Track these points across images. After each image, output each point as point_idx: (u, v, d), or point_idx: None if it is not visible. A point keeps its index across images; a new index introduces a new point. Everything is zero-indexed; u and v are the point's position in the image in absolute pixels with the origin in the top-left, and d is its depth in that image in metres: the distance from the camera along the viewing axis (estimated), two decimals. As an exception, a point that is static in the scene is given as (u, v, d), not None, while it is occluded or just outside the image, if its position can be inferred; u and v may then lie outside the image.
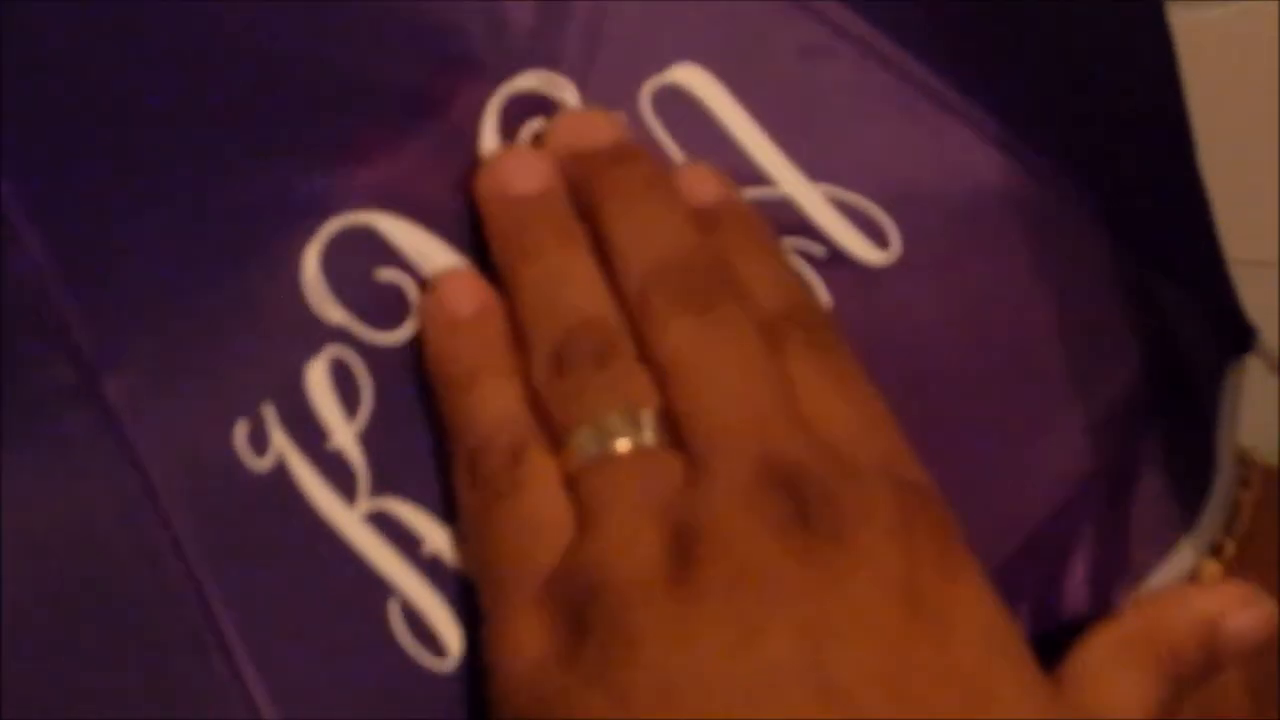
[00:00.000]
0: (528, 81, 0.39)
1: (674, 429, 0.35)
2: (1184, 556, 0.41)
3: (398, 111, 0.38)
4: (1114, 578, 0.40)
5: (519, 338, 0.37)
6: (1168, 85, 0.39)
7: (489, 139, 0.39)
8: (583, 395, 0.35)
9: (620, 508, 0.34)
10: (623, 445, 0.34)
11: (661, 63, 0.40)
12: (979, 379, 0.40)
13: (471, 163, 0.39)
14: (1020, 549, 0.39)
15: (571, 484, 0.34)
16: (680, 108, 0.40)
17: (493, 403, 0.36)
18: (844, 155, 0.40)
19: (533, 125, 0.39)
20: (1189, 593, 0.39)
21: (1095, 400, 0.41)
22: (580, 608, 0.33)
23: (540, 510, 0.34)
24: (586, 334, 0.36)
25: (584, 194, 0.38)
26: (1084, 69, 0.41)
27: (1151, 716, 0.37)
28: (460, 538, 0.37)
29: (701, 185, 0.39)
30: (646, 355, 0.36)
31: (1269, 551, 0.43)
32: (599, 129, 0.39)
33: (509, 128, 0.39)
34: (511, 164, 0.38)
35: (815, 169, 0.40)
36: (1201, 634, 0.38)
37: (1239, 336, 0.42)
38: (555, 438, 0.35)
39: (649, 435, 0.34)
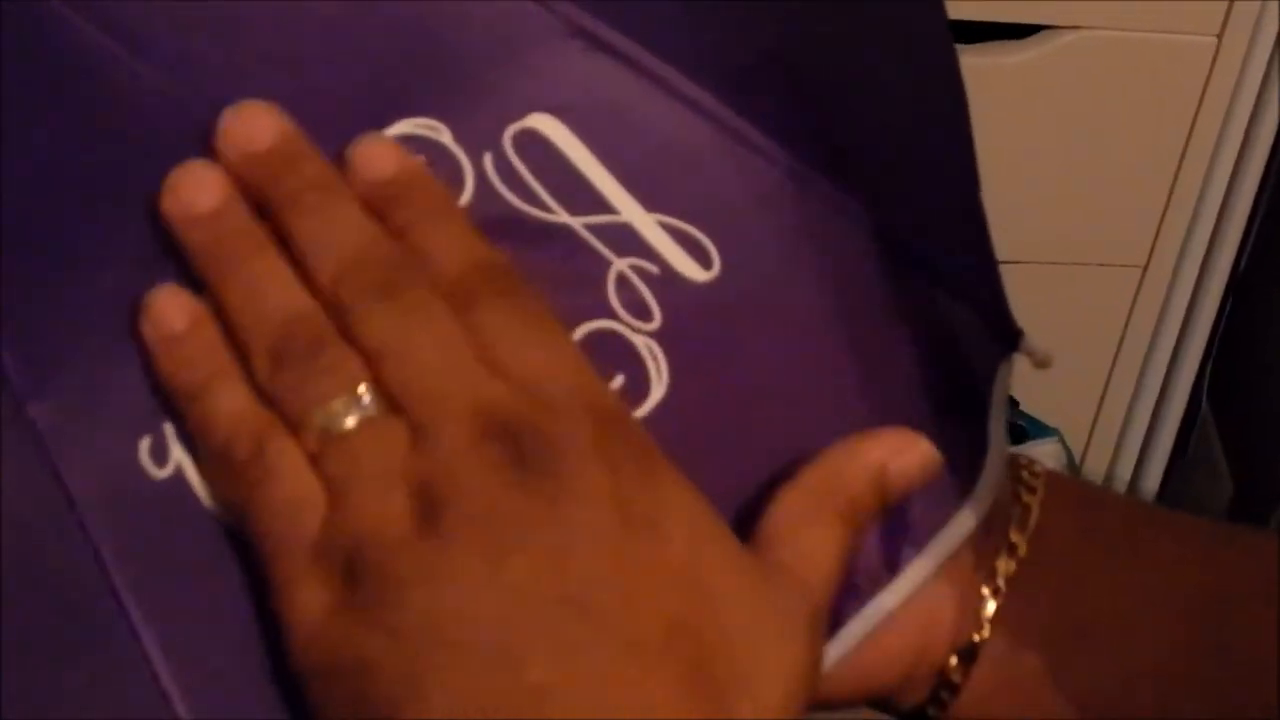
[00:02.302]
0: (404, 127, 0.43)
1: (391, 399, 0.39)
2: (963, 520, 0.46)
3: None
4: (900, 541, 0.45)
5: (236, 342, 0.40)
6: (956, 121, 0.44)
7: None
8: (304, 385, 0.39)
9: (362, 475, 0.38)
10: (350, 422, 0.38)
11: (521, 111, 0.44)
12: (784, 373, 0.45)
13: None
14: None
15: (315, 463, 0.38)
16: (537, 148, 0.44)
17: (227, 403, 0.39)
18: (673, 189, 0.45)
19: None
20: (857, 445, 0.43)
21: (883, 394, 0.46)
22: (348, 566, 0.37)
23: (293, 489, 0.38)
24: (294, 330, 0.39)
25: (261, 198, 0.41)
26: (879, 113, 0.46)
27: (841, 561, 0.42)
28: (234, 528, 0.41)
29: (376, 161, 0.42)
30: (351, 340, 0.39)
31: (1057, 545, 0.48)
32: (263, 128, 0.41)
33: None
34: (189, 182, 0.41)
35: (650, 200, 0.44)
36: (873, 480, 0.43)
37: (1008, 338, 0.47)
38: (291, 425, 0.39)
39: (371, 409, 0.38)
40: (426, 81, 0.44)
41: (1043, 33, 1.26)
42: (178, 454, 0.41)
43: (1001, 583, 0.47)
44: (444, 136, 0.43)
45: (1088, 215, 1.36)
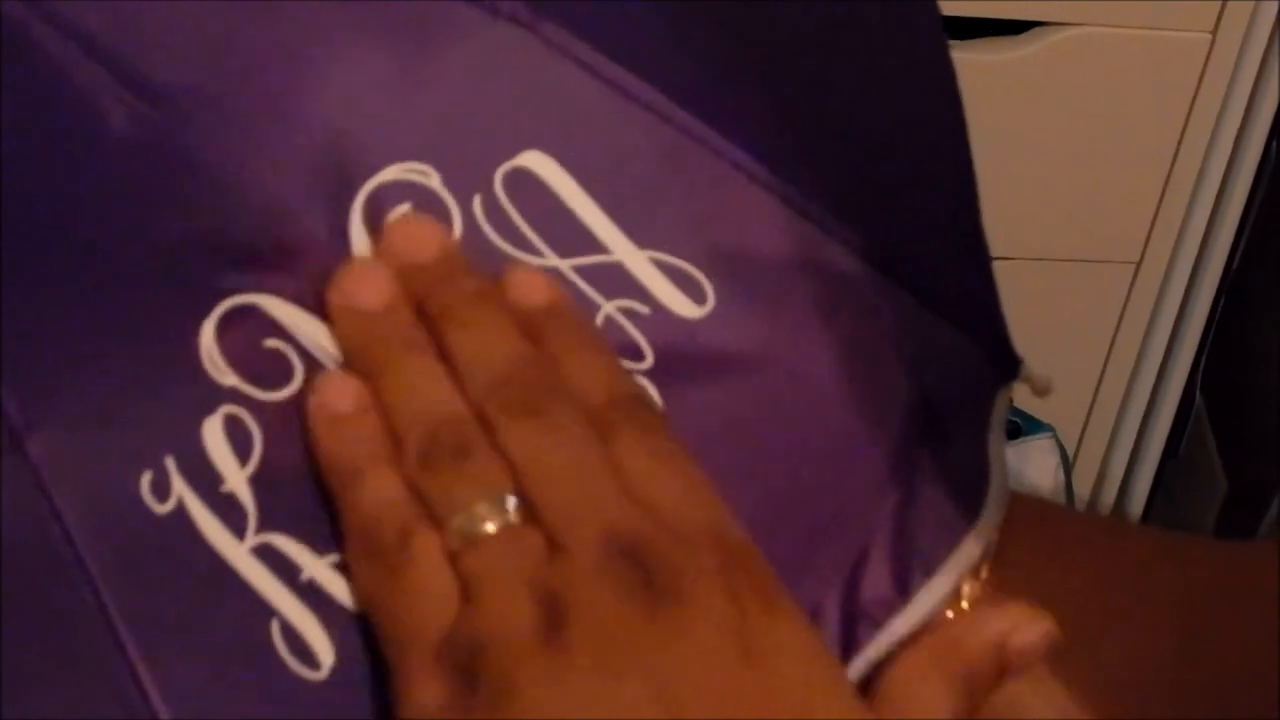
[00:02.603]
0: (392, 174, 0.43)
1: (531, 510, 0.40)
2: (970, 546, 0.46)
3: (276, 211, 0.43)
4: (909, 569, 0.45)
5: (392, 432, 0.42)
6: (956, 150, 0.45)
7: (357, 230, 0.43)
8: (451, 485, 0.40)
9: (496, 580, 0.39)
10: (491, 527, 0.39)
11: (511, 150, 0.44)
12: (779, 406, 0.45)
13: (343, 249, 0.43)
14: (824, 547, 0.45)
15: (453, 560, 0.40)
16: (528, 188, 0.44)
17: (378, 489, 0.41)
18: (666, 224, 0.45)
19: (400, 209, 0.43)
20: (982, 617, 0.45)
21: (879, 423, 0.46)
22: (469, 666, 0.38)
23: (430, 583, 0.39)
24: (445, 431, 0.41)
25: (423, 307, 0.43)
26: (878, 145, 0.46)
27: None
28: (361, 607, 0.41)
29: (529, 290, 0.43)
30: (496, 450, 0.41)
31: (1019, 565, 0.48)
32: (428, 240, 0.43)
33: (376, 215, 0.43)
34: (356, 279, 0.43)
35: (642, 237, 0.44)
36: (993, 652, 0.44)
37: (1008, 366, 0.48)
38: (435, 521, 0.40)
39: (512, 516, 0.40)
40: (414, 123, 0.44)
41: (1037, 29, 1.26)
42: (179, 488, 0.41)
43: (966, 605, 0.47)
44: (433, 181, 0.43)
45: (1081, 211, 1.36)
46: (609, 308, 0.44)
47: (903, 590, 0.45)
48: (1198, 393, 1.46)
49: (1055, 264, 1.37)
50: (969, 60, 1.26)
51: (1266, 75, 1.30)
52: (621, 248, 0.44)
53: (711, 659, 0.39)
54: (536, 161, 0.44)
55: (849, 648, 0.44)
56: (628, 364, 0.43)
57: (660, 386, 0.44)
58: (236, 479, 0.41)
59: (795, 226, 0.46)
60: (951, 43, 1.29)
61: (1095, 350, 1.43)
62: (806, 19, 0.46)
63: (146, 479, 0.41)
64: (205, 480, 0.41)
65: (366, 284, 0.42)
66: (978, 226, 0.46)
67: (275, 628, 0.41)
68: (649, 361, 0.44)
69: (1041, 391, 0.48)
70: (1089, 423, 1.47)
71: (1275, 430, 1.34)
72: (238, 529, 0.41)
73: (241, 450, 0.42)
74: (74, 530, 0.40)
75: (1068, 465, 1.40)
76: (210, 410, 0.42)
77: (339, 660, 0.41)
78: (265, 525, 0.42)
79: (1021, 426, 1.38)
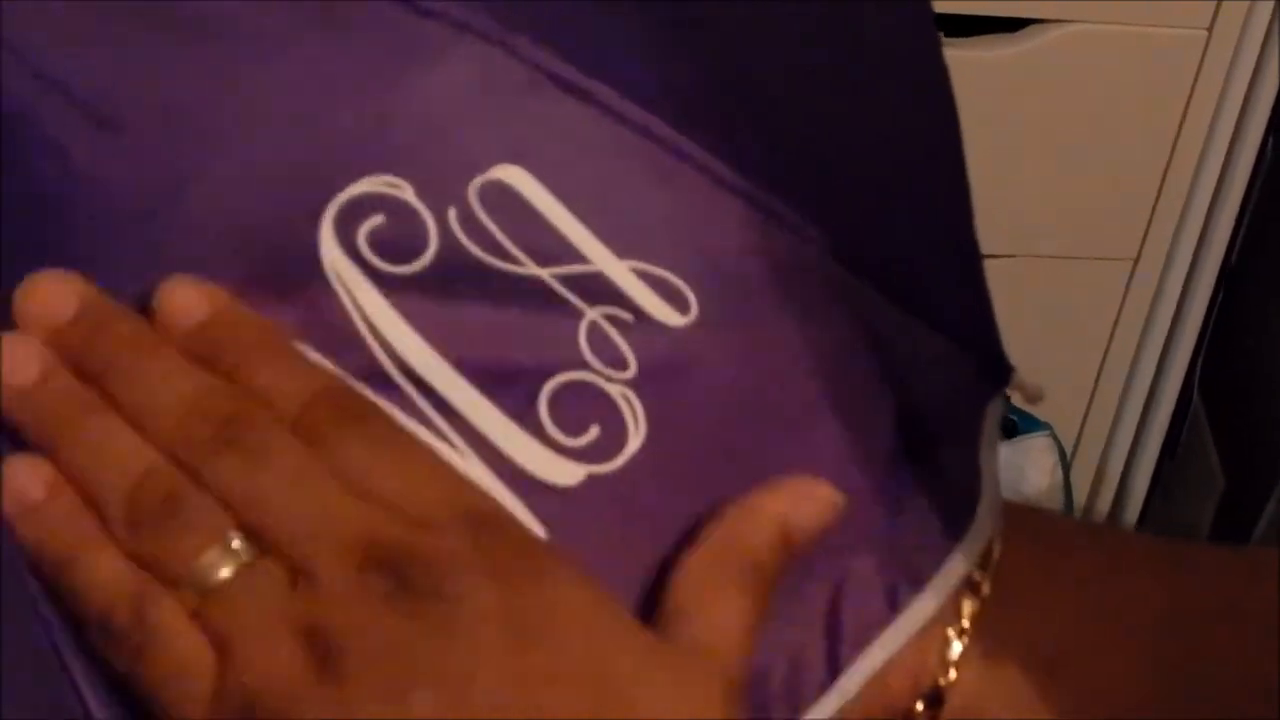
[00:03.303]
0: (363, 186, 0.43)
1: (262, 543, 0.38)
2: (960, 558, 0.46)
3: (244, 229, 0.42)
4: (897, 578, 0.45)
5: (93, 503, 0.39)
6: (948, 158, 0.44)
7: (327, 245, 0.42)
8: (171, 541, 0.38)
9: (247, 626, 0.37)
10: (225, 572, 0.37)
11: (485, 163, 0.43)
12: (769, 418, 0.45)
13: (314, 264, 0.42)
14: (808, 560, 0.44)
15: (197, 619, 0.38)
16: (504, 200, 0.43)
17: (98, 570, 0.38)
18: (647, 235, 0.44)
19: (372, 222, 0.42)
20: (756, 501, 0.43)
21: (865, 434, 0.45)
22: None
23: (179, 652, 0.37)
24: (147, 486, 0.39)
25: (82, 364, 0.40)
26: (865, 153, 0.46)
27: (750, 627, 0.41)
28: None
29: (185, 308, 0.41)
30: (206, 491, 0.39)
31: (1019, 581, 0.47)
32: (64, 295, 0.41)
33: (349, 228, 0.42)
34: (5, 357, 0.40)
35: (623, 247, 0.44)
36: (774, 537, 0.42)
37: (999, 374, 0.47)
38: (167, 584, 0.38)
39: (244, 555, 0.38)
40: (384, 137, 0.43)
41: (1034, 26, 1.27)
42: None
43: (966, 623, 0.47)
44: (406, 193, 0.43)
45: (1078, 208, 1.37)
46: (593, 314, 0.43)
47: (891, 605, 0.45)
48: (1195, 390, 1.47)
49: (1052, 261, 1.38)
50: (966, 57, 1.27)
51: (1263, 71, 1.31)
52: (601, 258, 0.44)
53: (488, 649, 0.37)
54: (511, 175, 0.44)
55: (835, 665, 0.43)
56: (613, 373, 0.43)
57: (643, 396, 0.43)
58: None
59: (778, 236, 0.46)
60: (949, 40, 1.28)
61: (1093, 348, 1.44)
62: (790, 25, 0.46)
63: None
64: None
65: (16, 359, 0.40)
66: (970, 234, 0.45)
67: None
68: (633, 370, 0.43)
69: (1033, 399, 0.48)
70: (1087, 420, 1.48)
71: (1273, 428, 1.34)
72: None
73: None
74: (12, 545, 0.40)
75: (1065, 463, 1.41)
76: None
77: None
78: None
79: (1019, 424, 1.39)
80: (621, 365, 0.43)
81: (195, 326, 0.41)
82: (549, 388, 0.42)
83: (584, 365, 0.43)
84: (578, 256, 0.44)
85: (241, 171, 0.42)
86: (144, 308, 0.41)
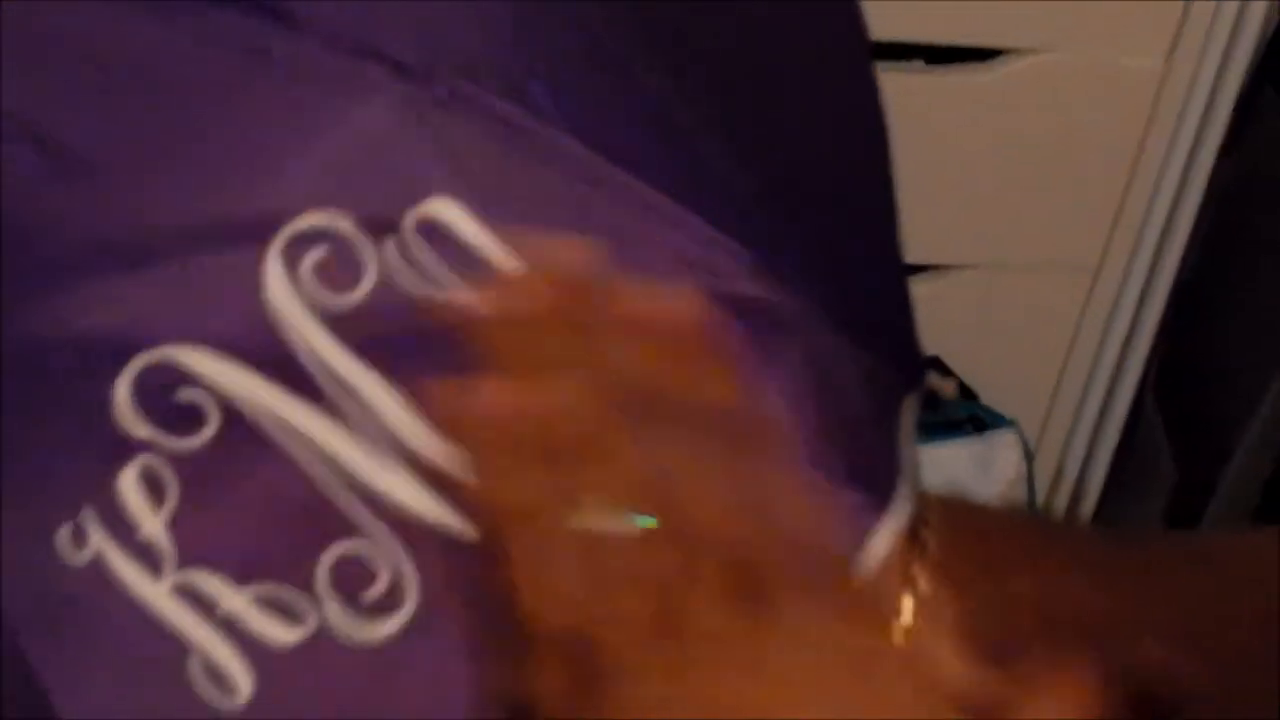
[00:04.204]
0: (306, 221, 0.43)
1: (664, 515, 0.41)
2: (881, 537, 0.47)
3: (191, 262, 0.43)
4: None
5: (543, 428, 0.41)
6: (876, 173, 0.46)
7: (274, 277, 0.43)
8: (583, 482, 0.41)
9: (621, 577, 0.40)
10: (623, 527, 0.40)
11: (418, 196, 0.44)
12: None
13: (258, 295, 0.43)
14: None
15: (584, 554, 0.41)
16: (438, 232, 0.43)
17: (522, 483, 0.41)
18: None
19: (315, 255, 0.43)
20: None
21: (797, 431, 0.46)
22: (586, 657, 0.40)
23: (560, 574, 0.41)
24: (585, 434, 0.41)
25: (574, 317, 0.42)
26: (806, 171, 0.47)
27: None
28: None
29: (670, 310, 0.42)
30: (635, 457, 0.41)
31: (955, 577, 0.48)
32: (578, 258, 0.43)
33: (293, 261, 0.43)
34: (513, 289, 0.42)
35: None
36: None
37: (916, 375, 0.50)
38: (559, 516, 0.41)
39: (643, 521, 0.40)
40: (326, 174, 0.43)
41: (1008, 55, 1.29)
42: (97, 538, 0.42)
43: (907, 618, 0.47)
44: (345, 227, 0.43)
45: (1045, 221, 1.38)
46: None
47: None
48: (1150, 390, 1.46)
49: (1020, 270, 1.39)
50: (946, 83, 1.29)
51: (1216, 98, 1.33)
52: None
53: (823, 668, 0.41)
54: (443, 207, 0.44)
55: None
56: None
57: None
58: (152, 524, 0.42)
59: (707, 255, 0.46)
60: (931, 67, 1.30)
61: (1056, 350, 1.44)
62: (720, 38, 0.46)
63: (65, 531, 0.42)
64: (122, 528, 0.42)
65: (521, 294, 0.42)
66: (894, 244, 0.47)
67: (193, 661, 0.42)
68: None
69: (947, 394, 0.50)
70: (1050, 416, 1.47)
71: (1221, 428, 1.33)
72: (155, 570, 0.42)
73: (157, 496, 0.42)
74: None
75: (1030, 457, 1.40)
76: (125, 462, 0.42)
77: (257, 688, 0.42)
78: (184, 564, 0.42)
79: (986, 420, 1.37)
80: None
81: (672, 326, 0.43)
82: None
83: None
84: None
85: (189, 207, 0.43)
86: (93, 338, 0.42)
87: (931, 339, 1.36)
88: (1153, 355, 1.46)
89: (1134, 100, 1.33)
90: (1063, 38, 1.29)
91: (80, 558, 0.42)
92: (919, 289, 1.29)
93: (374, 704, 0.43)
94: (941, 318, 1.34)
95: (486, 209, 0.44)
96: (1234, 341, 1.39)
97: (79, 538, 0.42)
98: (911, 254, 1.30)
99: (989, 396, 1.39)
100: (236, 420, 0.42)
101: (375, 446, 0.42)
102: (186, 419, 0.42)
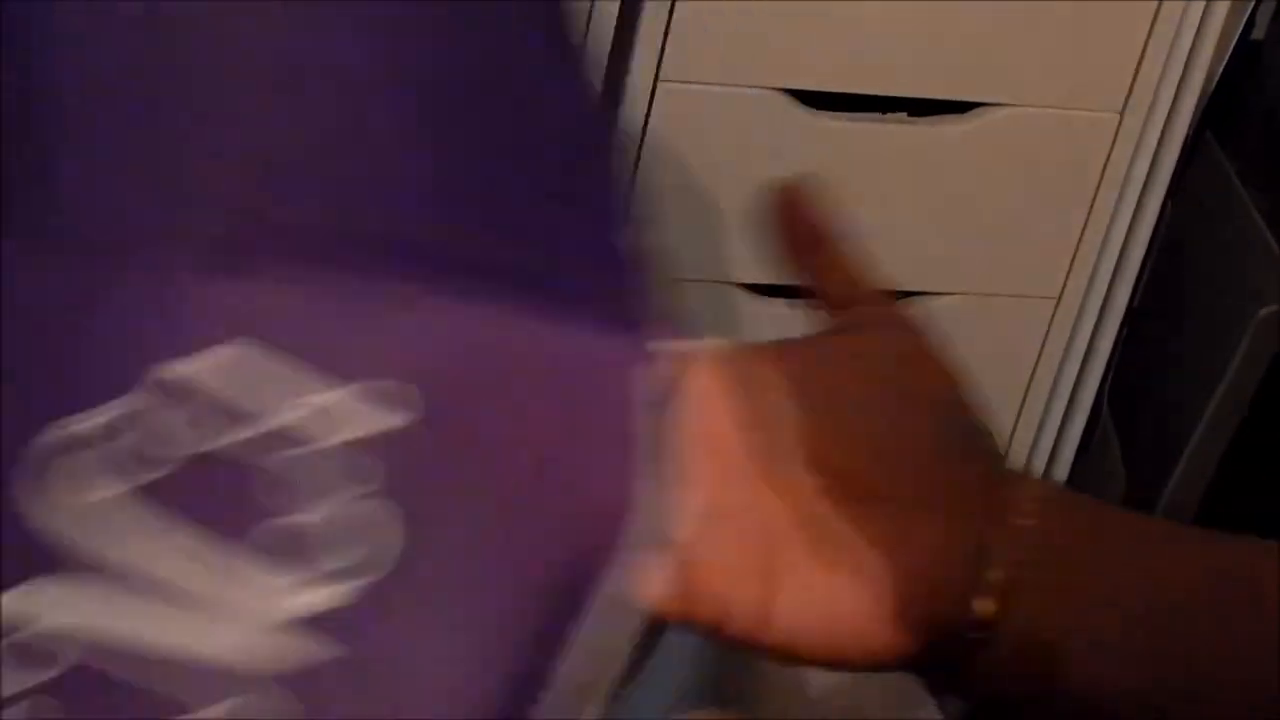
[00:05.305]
0: (127, 404, 0.40)
1: None
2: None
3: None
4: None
5: None
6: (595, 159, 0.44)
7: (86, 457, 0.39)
8: None
9: None
10: None
11: (214, 340, 0.41)
12: (504, 475, 0.43)
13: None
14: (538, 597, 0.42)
15: None
16: (223, 370, 0.41)
17: None
18: (352, 358, 0.42)
19: (127, 438, 0.40)
20: None
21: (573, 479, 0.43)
22: None
23: None
24: None
25: None
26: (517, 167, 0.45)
27: None
28: None
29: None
30: None
31: (1054, 554, 0.48)
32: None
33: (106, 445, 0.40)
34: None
35: (342, 373, 0.41)
36: None
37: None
38: None
39: None
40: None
41: (980, 108, 1.33)
42: None
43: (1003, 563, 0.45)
44: (152, 403, 0.40)
45: (1014, 254, 1.41)
46: (332, 443, 0.41)
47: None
48: (1105, 404, 1.48)
49: (992, 298, 1.42)
50: (925, 133, 1.33)
51: (1165, 147, 1.37)
52: (322, 391, 0.41)
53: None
54: (231, 352, 0.41)
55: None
56: (362, 489, 0.41)
57: (400, 501, 0.41)
58: None
59: (468, 313, 0.43)
60: (912, 119, 1.42)
61: (1022, 368, 1.46)
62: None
63: None
64: None
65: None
66: (620, 247, 0.45)
67: None
68: (381, 480, 0.41)
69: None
70: (1016, 427, 1.49)
71: (1166, 437, 1.36)
72: None
73: None
74: None
75: None
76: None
77: None
78: None
79: None
80: (369, 479, 0.41)
81: None
82: (315, 518, 0.40)
83: (341, 490, 0.41)
84: (302, 396, 0.41)
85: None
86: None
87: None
88: (1107, 372, 1.46)
89: (1091, 148, 1.36)
90: (1030, 93, 1.32)
91: None
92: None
93: None
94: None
95: (270, 334, 0.41)
96: (1179, 363, 1.41)
97: None
98: (897, 282, 1.43)
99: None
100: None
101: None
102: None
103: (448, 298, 0.42)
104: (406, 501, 0.41)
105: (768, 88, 1.30)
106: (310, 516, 0.40)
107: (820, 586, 0.46)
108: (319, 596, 0.40)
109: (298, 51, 0.43)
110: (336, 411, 0.41)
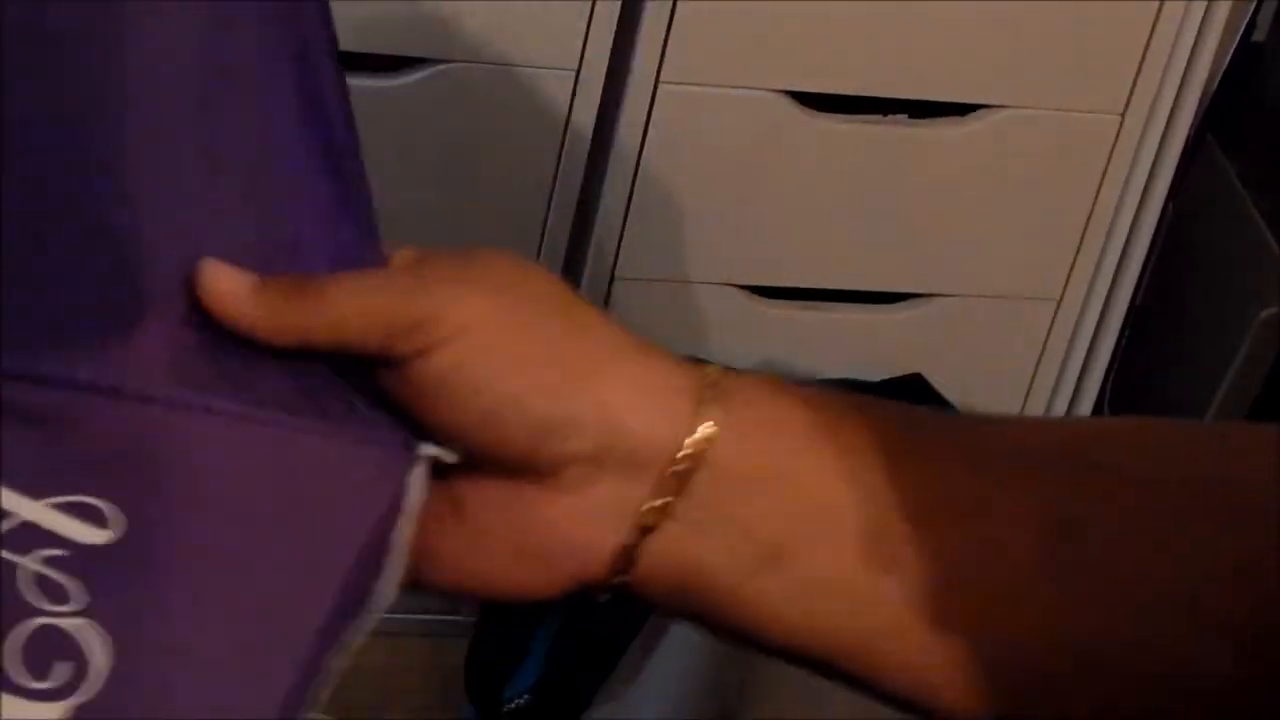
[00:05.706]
0: None
1: None
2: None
3: None
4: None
5: None
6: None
7: None
8: None
9: None
10: None
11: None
12: (221, 582, 0.43)
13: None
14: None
15: None
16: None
17: None
18: (51, 469, 0.42)
19: None
20: None
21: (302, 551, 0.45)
22: None
23: None
24: None
25: None
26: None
27: None
28: None
29: None
30: None
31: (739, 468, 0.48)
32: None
33: None
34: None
35: (35, 489, 0.42)
36: None
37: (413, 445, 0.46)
38: None
39: None
40: None
41: (981, 110, 1.34)
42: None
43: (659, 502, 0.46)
44: None
45: (1016, 256, 1.42)
46: (33, 564, 0.41)
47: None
48: (1106, 406, 1.48)
49: (992, 299, 1.42)
50: (928, 134, 1.33)
51: (1165, 148, 1.37)
52: (21, 505, 0.42)
53: None
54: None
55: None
56: (63, 608, 0.41)
57: (100, 614, 0.41)
58: None
59: (141, 414, 0.44)
60: (913, 120, 1.41)
61: (1024, 370, 1.47)
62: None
63: None
64: None
65: None
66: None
67: None
68: (83, 599, 0.41)
69: (447, 460, 0.48)
70: None
71: None
72: None
73: None
74: None
75: None
76: None
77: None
78: None
79: None
80: (65, 599, 0.41)
81: None
82: (18, 642, 0.41)
83: (39, 611, 0.41)
84: (2, 514, 0.42)
85: None
86: None
87: (914, 358, 1.48)
88: (1108, 375, 1.47)
89: (1092, 149, 1.37)
90: (1031, 95, 1.33)
91: None
92: (906, 315, 1.40)
93: None
94: (924, 340, 1.42)
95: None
96: (1180, 364, 1.42)
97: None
98: (899, 284, 1.42)
99: (964, 409, 1.41)
100: None
101: None
102: None
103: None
104: (112, 621, 0.41)
105: (769, 89, 1.31)
106: (12, 637, 0.40)
107: (471, 570, 0.49)
108: (29, 713, 0.40)
109: None
110: (35, 527, 0.41)
